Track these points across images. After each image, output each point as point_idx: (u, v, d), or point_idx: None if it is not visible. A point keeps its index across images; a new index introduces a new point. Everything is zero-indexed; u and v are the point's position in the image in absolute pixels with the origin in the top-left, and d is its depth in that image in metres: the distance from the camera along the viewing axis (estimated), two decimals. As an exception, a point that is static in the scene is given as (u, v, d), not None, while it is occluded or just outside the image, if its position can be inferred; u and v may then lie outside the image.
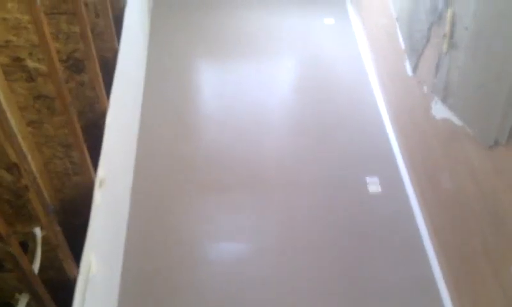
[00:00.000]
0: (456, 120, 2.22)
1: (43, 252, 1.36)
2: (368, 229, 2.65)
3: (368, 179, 2.88)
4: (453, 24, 2.23)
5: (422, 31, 2.59)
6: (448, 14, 2.26)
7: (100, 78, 1.99)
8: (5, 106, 1.26)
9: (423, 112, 2.61)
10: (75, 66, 1.87)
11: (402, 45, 2.92)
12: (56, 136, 1.63)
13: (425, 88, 2.58)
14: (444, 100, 2.33)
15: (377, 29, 3.50)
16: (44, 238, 1.36)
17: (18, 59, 1.42)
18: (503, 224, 1.85)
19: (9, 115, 1.30)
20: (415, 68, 2.73)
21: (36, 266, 1.32)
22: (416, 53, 2.69)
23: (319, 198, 2.79)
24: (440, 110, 2.40)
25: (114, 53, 2.41)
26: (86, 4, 2.19)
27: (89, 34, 1.83)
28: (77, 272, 1.54)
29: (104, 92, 2.05)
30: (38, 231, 1.37)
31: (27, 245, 1.36)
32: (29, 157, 1.56)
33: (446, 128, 2.33)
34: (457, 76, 2.20)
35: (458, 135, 2.21)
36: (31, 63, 1.43)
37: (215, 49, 3.79)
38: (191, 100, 3.34)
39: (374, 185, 2.84)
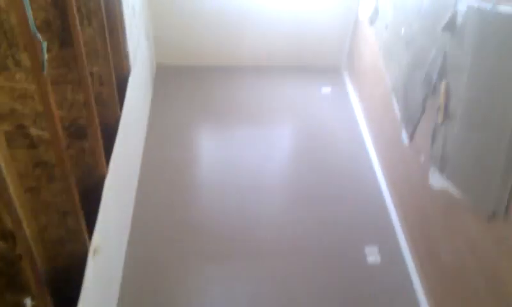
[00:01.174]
0: (454, 191, 2.23)
1: (32, 324, 1.31)
2: (367, 301, 2.58)
3: (367, 249, 2.84)
4: (447, 96, 2.30)
5: (417, 102, 2.66)
6: (442, 86, 2.34)
7: (101, 145, 2.01)
8: (5, 174, 1.26)
9: (421, 182, 2.62)
10: (77, 132, 1.89)
11: (398, 115, 2.99)
12: (53, 203, 1.62)
13: (422, 158, 2.61)
14: (441, 170, 2.35)
15: (373, 98, 3.59)
16: (34, 309, 1.32)
17: (21, 127, 1.44)
18: (503, 297, 1.81)
19: (8, 182, 1.30)
20: (411, 138, 2.78)
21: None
22: (412, 123, 2.74)
23: (317, 268, 2.74)
24: (437, 181, 2.41)
25: (116, 120, 2.45)
26: (91, 73, 2.26)
27: (93, 102, 1.87)
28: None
29: (103, 159, 2.06)
30: (28, 302, 1.33)
31: (16, 317, 1.31)
32: (25, 225, 1.55)
33: (444, 198, 2.33)
34: (454, 146, 2.23)
35: (456, 206, 2.21)
36: (34, 131, 1.45)
37: (215, 117, 3.86)
38: (189, 167, 3.36)
39: (372, 256, 2.79)
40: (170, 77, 4.25)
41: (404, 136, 2.88)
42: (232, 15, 4.12)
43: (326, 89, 4.25)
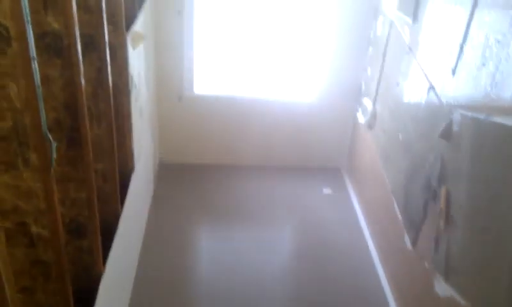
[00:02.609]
0: (460, 300, 2.15)
1: None
2: None
3: None
4: (448, 202, 2.31)
5: (418, 207, 2.66)
6: (443, 192, 2.36)
7: (100, 244, 1.98)
8: (2, 272, 1.23)
9: (426, 289, 2.54)
10: (76, 230, 1.88)
11: (400, 218, 2.98)
12: (47, 304, 1.57)
13: (426, 264, 2.56)
14: (446, 277, 2.29)
15: (375, 200, 3.61)
16: None
17: (22, 224, 1.43)
18: None
19: (3, 281, 1.27)
20: (414, 243, 2.74)
21: None
22: (414, 227, 2.73)
23: None
24: (443, 289, 2.34)
25: (116, 217, 2.44)
26: (96, 170, 2.30)
27: (95, 200, 1.88)
28: None
29: (101, 257, 2.03)
30: None
31: None
32: (15, 327, 1.48)
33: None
34: (457, 254, 2.20)
35: (464, 315, 2.12)
36: (34, 229, 1.44)
37: (215, 217, 3.85)
38: (187, 270, 3.28)
39: None
40: (172, 174, 4.30)
41: (407, 240, 2.85)
42: (234, 117, 4.27)
43: (327, 190, 4.28)
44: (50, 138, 1.40)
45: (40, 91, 1.31)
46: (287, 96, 4.32)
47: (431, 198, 2.52)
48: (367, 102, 3.83)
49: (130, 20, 2.74)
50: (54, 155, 1.42)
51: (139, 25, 2.87)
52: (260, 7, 3.96)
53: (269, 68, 4.23)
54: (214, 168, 4.44)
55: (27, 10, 1.22)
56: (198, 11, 3.89)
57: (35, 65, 1.27)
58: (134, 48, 2.68)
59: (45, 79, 1.60)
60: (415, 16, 2.91)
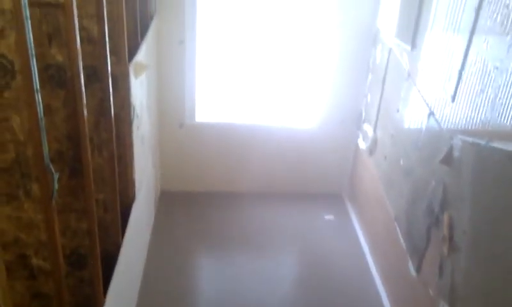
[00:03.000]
0: (467, 328, 2.12)
1: None
2: None
3: None
4: (451, 228, 2.29)
5: (421, 233, 2.64)
6: (445, 217, 2.34)
7: (100, 276, 1.96)
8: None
9: (431, 317, 2.50)
10: (77, 261, 1.86)
11: (403, 245, 2.95)
12: (46, 338, 1.54)
13: (430, 291, 2.52)
14: (451, 305, 2.26)
15: (377, 226, 3.58)
16: None
17: (23, 257, 1.42)
18: None
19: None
20: (418, 269, 2.71)
21: None
22: (417, 254, 2.70)
23: None
24: (448, 316, 2.30)
25: (117, 247, 2.42)
26: (97, 200, 2.29)
27: (96, 231, 1.87)
28: None
29: (102, 288, 2.00)
30: None
31: None
32: None
33: (457, 335, 2.21)
34: (462, 281, 2.17)
35: (471, 344, 2.08)
36: (35, 261, 1.43)
37: (216, 244, 3.82)
38: (188, 299, 3.24)
39: None
40: (173, 202, 4.29)
41: (411, 267, 2.82)
42: (235, 144, 4.28)
43: (329, 216, 4.26)
44: (52, 169, 1.40)
45: (42, 122, 1.32)
46: (288, 122, 4.34)
47: (433, 224, 2.50)
48: (368, 128, 3.85)
49: (133, 50, 2.78)
50: (56, 186, 1.42)
51: (141, 55, 2.91)
52: (261, 35, 4.02)
53: (270, 94, 4.27)
54: (215, 196, 4.43)
55: (32, 44, 1.24)
56: (200, 41, 3.94)
57: (39, 97, 1.28)
58: (136, 77, 2.71)
59: (48, 110, 1.61)
60: (414, 44, 2.95)
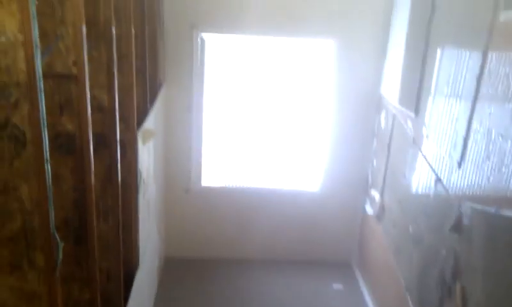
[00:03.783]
0: None
1: None
2: None
3: None
4: (464, 298, 2.21)
5: (433, 304, 2.55)
6: (458, 288, 2.27)
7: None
8: None
9: None
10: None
11: (415, 316, 2.84)
12: None
13: None
14: None
15: (388, 296, 3.47)
16: None
17: (23, 330, 1.38)
18: None
19: None
20: (431, 343, 2.59)
21: None
22: (430, 326, 2.59)
23: None
24: None
25: (120, 318, 2.35)
26: (100, 269, 2.25)
27: (99, 301, 1.82)
28: None
29: None
30: None
31: None
32: None
33: None
34: (480, 356, 2.06)
35: None
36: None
37: (221, 312, 3.70)
38: None
39: None
40: (177, 269, 4.20)
41: (424, 340, 2.69)
42: (241, 209, 4.26)
43: (338, 286, 4.13)
44: (58, 238, 1.39)
45: (51, 192, 1.32)
46: (294, 187, 4.33)
47: (446, 294, 2.42)
48: (375, 194, 3.83)
49: (142, 117, 2.84)
50: (60, 256, 1.40)
51: (150, 122, 2.97)
52: (267, 100, 4.11)
53: (276, 158, 4.30)
54: (220, 263, 4.34)
55: (44, 115, 1.27)
56: (207, 107, 4.03)
57: (48, 167, 1.29)
58: (144, 144, 2.75)
59: (56, 178, 1.62)
60: (417, 110, 2.99)
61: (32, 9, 1.13)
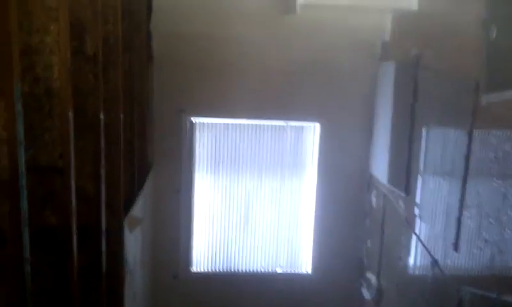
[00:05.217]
0: None
1: None
2: None
3: None
4: None
5: None
6: None
7: None
8: None
9: None
10: None
11: None
12: None
13: None
14: None
15: None
16: None
17: None
18: None
19: None
20: None
21: None
22: None
23: None
24: None
25: None
26: None
27: None
28: None
29: None
30: None
31: None
32: None
33: None
34: None
35: None
36: None
37: None
38: None
39: None
40: None
41: None
42: (231, 295, 4.08)
43: None
44: (33, 345, 1.27)
45: (30, 293, 1.24)
46: (287, 270, 4.20)
47: None
48: (371, 277, 3.71)
49: (129, 202, 2.77)
50: None
51: (137, 208, 2.90)
52: (255, 182, 4.08)
53: (268, 241, 4.19)
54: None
55: (26, 212, 1.21)
56: (196, 190, 3.99)
57: (28, 267, 1.22)
58: (131, 231, 2.66)
59: (36, 275, 1.53)
60: (408, 190, 2.99)
61: (18, 107, 1.12)
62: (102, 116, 1.94)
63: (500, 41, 2.21)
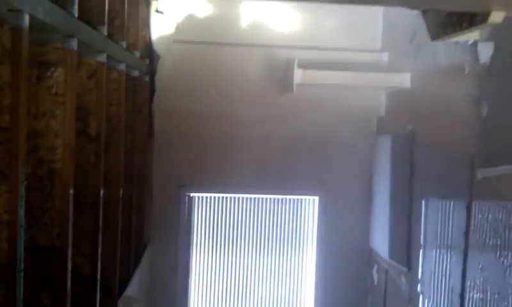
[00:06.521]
0: None
1: None
2: None
3: None
4: None
5: None
6: None
7: None
8: None
9: None
10: None
11: None
12: None
13: None
14: None
15: None
16: None
17: None
18: None
19: None
20: None
21: None
22: None
23: None
24: None
25: None
26: None
27: None
28: None
29: None
30: None
31: None
32: None
33: None
34: None
35: None
36: None
37: None
38: None
39: None
40: None
41: None
42: None
43: None
44: None
45: None
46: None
47: None
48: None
49: (125, 281, 2.70)
50: None
51: (133, 288, 2.83)
52: (256, 256, 4.01)
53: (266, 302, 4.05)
54: None
55: (21, 296, 1.19)
56: (193, 268, 3.91)
57: None
58: (125, 313, 2.58)
59: None
60: (409, 265, 2.94)
61: (21, 190, 1.13)
62: (101, 194, 1.95)
63: (491, 118, 2.28)
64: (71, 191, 1.56)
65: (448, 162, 2.54)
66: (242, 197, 3.95)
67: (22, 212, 1.14)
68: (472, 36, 2.31)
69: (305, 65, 3.59)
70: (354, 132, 3.84)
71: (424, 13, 1.71)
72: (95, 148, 1.83)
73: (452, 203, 2.47)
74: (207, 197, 3.95)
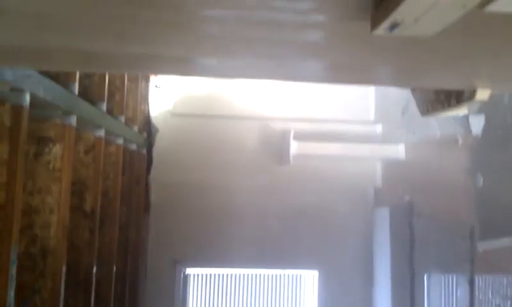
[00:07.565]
0: None
1: None
2: None
3: None
4: None
5: None
6: None
7: None
8: None
9: None
10: None
11: None
12: None
13: None
14: None
15: None
16: None
17: None
18: None
19: None
20: None
21: None
22: None
23: None
24: None
25: None
26: None
27: None
28: None
29: None
30: None
31: None
32: None
33: None
34: None
35: None
36: None
37: None
38: None
39: None
40: None
41: None
42: None
43: None
44: None
45: None
46: None
47: None
48: None
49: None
50: None
51: None
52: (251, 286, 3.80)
53: None
54: None
55: None
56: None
57: None
58: None
59: None
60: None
61: (12, 271, 1.09)
62: (94, 271, 1.89)
63: (487, 189, 2.28)
64: (63, 269, 1.51)
65: (448, 234, 2.50)
66: (240, 274, 3.84)
67: (11, 293, 1.09)
68: (461, 111, 2.35)
69: (301, 137, 3.63)
70: (352, 204, 3.80)
71: (413, 90, 1.74)
72: (90, 223, 1.79)
73: (454, 277, 2.41)
74: (202, 275, 3.83)
